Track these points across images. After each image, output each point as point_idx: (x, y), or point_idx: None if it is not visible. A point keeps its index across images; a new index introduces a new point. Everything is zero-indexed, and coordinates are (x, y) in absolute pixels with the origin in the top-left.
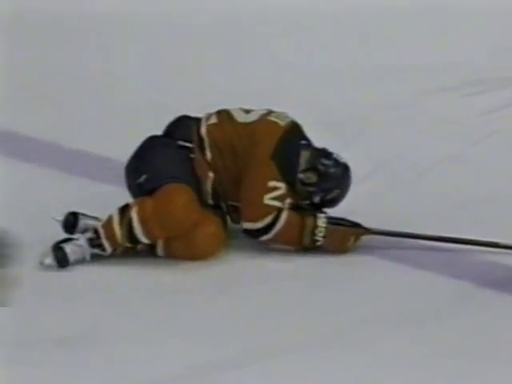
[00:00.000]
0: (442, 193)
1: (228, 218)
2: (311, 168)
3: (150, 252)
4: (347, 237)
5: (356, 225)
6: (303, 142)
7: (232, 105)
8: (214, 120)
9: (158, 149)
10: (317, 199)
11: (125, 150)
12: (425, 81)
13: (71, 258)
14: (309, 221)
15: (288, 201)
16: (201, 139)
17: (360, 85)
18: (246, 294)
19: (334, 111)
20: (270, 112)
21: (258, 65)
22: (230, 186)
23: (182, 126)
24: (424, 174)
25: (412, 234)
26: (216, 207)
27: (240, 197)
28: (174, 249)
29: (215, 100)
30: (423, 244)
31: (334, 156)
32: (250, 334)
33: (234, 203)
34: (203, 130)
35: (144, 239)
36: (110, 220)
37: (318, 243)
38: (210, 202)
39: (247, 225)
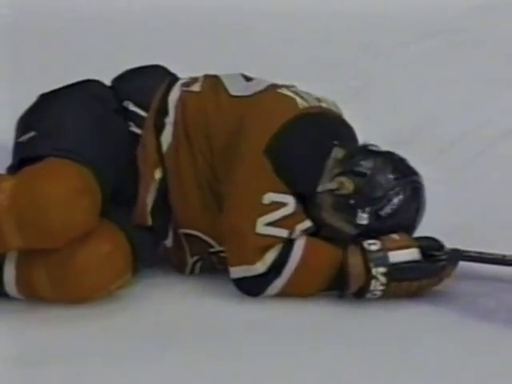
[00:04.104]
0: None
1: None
2: (345, 171)
3: None
4: (424, 290)
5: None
6: (336, 141)
7: None
8: (195, 87)
9: (75, 101)
10: (364, 218)
11: None
12: None
13: None
14: (353, 255)
15: (301, 226)
16: (164, 109)
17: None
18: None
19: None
20: (290, 85)
21: None
22: (192, 203)
23: (145, 78)
24: (481, 154)
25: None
26: (158, 231)
27: (219, 224)
28: (34, 278)
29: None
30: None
31: (388, 152)
32: None
33: (194, 232)
34: (173, 96)
35: None
36: None
37: (373, 297)
38: (149, 222)
39: (236, 271)
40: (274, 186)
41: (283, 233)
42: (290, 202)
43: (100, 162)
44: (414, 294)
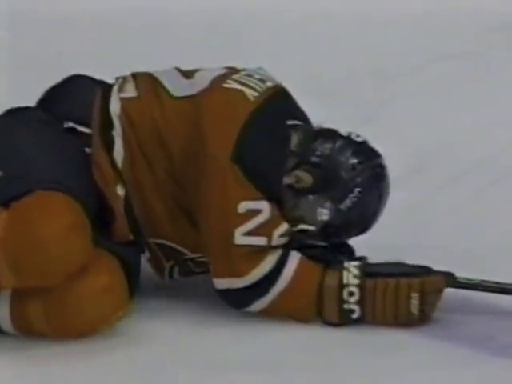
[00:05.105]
0: None
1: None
2: (301, 162)
3: None
4: (404, 294)
5: (430, 271)
6: (292, 121)
7: None
8: (130, 91)
9: (25, 130)
10: (324, 213)
11: None
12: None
13: None
14: (330, 275)
15: (278, 231)
16: (108, 123)
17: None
18: None
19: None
20: (231, 72)
21: None
22: (158, 217)
23: (74, 94)
24: (495, 183)
25: None
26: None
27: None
28: (30, 313)
29: None
30: None
31: (346, 136)
32: None
33: (164, 242)
34: (115, 107)
35: None
36: None
37: (353, 315)
38: (131, 236)
39: (221, 283)
40: (247, 193)
41: (262, 241)
42: (265, 208)
43: (78, 188)
44: (399, 306)
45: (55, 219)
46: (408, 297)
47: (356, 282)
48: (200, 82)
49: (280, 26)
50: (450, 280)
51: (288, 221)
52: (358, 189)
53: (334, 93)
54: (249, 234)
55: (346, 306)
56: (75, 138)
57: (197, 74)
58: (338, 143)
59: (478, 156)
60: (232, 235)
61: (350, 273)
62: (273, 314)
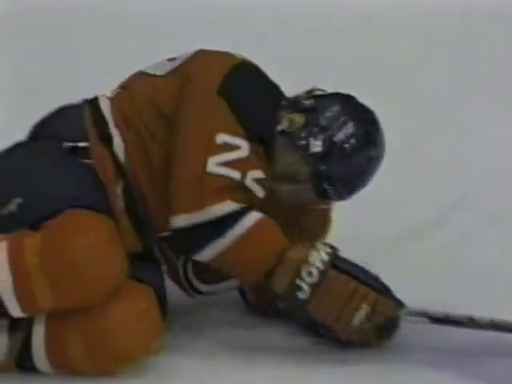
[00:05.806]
0: None
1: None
2: (293, 110)
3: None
4: (357, 300)
5: (389, 294)
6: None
7: None
8: (117, 90)
9: (33, 158)
10: (317, 145)
11: None
12: None
13: None
14: (299, 249)
15: (253, 174)
16: (102, 120)
17: None
18: None
19: None
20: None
21: None
22: (154, 203)
23: (62, 118)
24: None
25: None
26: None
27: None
28: (68, 345)
29: None
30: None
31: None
32: None
33: (167, 233)
34: (105, 106)
35: (14, 308)
36: None
37: (300, 294)
38: (140, 247)
39: (179, 220)
40: (227, 126)
41: (235, 174)
42: (243, 146)
43: (98, 204)
44: (346, 309)
45: (91, 237)
46: (359, 304)
47: (320, 265)
48: (182, 57)
49: (315, 45)
50: (399, 309)
51: (278, 172)
52: (352, 127)
53: None
54: (223, 164)
55: (298, 282)
56: (79, 155)
57: (181, 56)
58: (331, 96)
59: None
60: (205, 162)
61: (319, 255)
62: (222, 264)
